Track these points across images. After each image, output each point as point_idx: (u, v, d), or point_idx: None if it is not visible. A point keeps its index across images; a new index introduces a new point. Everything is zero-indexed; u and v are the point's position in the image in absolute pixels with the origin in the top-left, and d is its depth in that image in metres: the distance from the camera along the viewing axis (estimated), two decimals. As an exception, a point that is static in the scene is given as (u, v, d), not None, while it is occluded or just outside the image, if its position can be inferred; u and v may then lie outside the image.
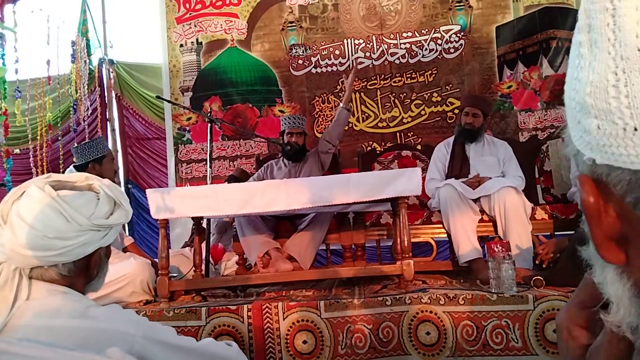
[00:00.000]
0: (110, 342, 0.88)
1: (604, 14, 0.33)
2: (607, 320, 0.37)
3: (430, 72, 4.71)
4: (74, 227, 0.95)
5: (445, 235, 3.09)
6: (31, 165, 4.48)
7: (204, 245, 2.90)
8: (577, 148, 0.36)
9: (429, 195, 3.33)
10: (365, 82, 4.76)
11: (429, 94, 4.70)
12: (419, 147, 4.17)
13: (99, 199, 1.01)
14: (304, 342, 2.18)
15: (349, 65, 4.79)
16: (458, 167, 3.30)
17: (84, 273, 1.03)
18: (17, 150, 4.48)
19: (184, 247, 3.91)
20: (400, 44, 4.76)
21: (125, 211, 1.04)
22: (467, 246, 2.87)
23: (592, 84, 0.34)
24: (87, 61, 5.19)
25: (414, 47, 4.74)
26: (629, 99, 0.32)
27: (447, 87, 4.69)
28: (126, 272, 2.64)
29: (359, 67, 4.75)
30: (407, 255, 2.51)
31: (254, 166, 4.31)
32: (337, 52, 4.83)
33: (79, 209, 0.97)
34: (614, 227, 0.35)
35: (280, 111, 4.82)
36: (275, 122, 4.67)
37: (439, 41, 4.72)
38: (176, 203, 2.53)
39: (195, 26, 4.99)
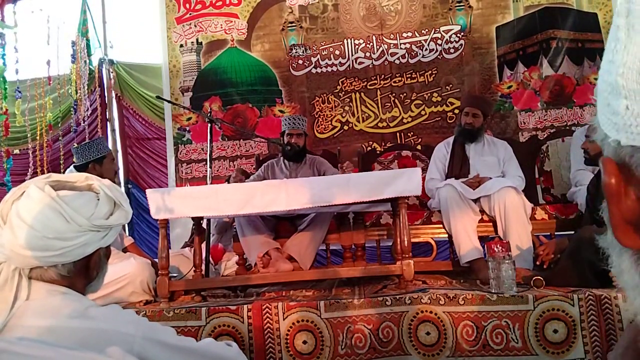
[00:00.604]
0: (110, 342, 0.88)
1: None
2: (626, 310, 0.38)
3: (430, 72, 4.71)
4: (73, 227, 0.95)
5: (445, 235, 3.09)
6: (30, 165, 4.47)
7: (204, 245, 2.90)
8: (604, 132, 0.37)
9: (429, 195, 3.33)
10: (365, 82, 4.76)
11: (429, 94, 4.70)
12: (419, 147, 4.17)
13: (98, 199, 1.01)
14: (304, 342, 2.18)
15: (349, 65, 4.79)
16: (458, 167, 3.30)
17: (83, 274, 1.02)
18: (17, 151, 4.48)
19: (184, 247, 3.91)
20: (400, 44, 4.76)
21: (125, 212, 1.04)
22: (468, 246, 2.87)
23: (625, 65, 0.35)
24: (87, 61, 5.19)
25: (414, 47, 4.74)
26: None
27: (447, 87, 4.69)
28: (126, 272, 2.63)
29: (359, 67, 4.75)
30: (407, 256, 2.51)
31: (254, 166, 4.31)
32: (337, 52, 4.83)
33: (79, 209, 0.96)
34: (633, 209, 0.35)
35: (281, 111, 4.82)
36: (275, 122, 4.67)
37: (439, 41, 4.72)
38: (176, 203, 2.52)
39: (195, 26, 4.99)
